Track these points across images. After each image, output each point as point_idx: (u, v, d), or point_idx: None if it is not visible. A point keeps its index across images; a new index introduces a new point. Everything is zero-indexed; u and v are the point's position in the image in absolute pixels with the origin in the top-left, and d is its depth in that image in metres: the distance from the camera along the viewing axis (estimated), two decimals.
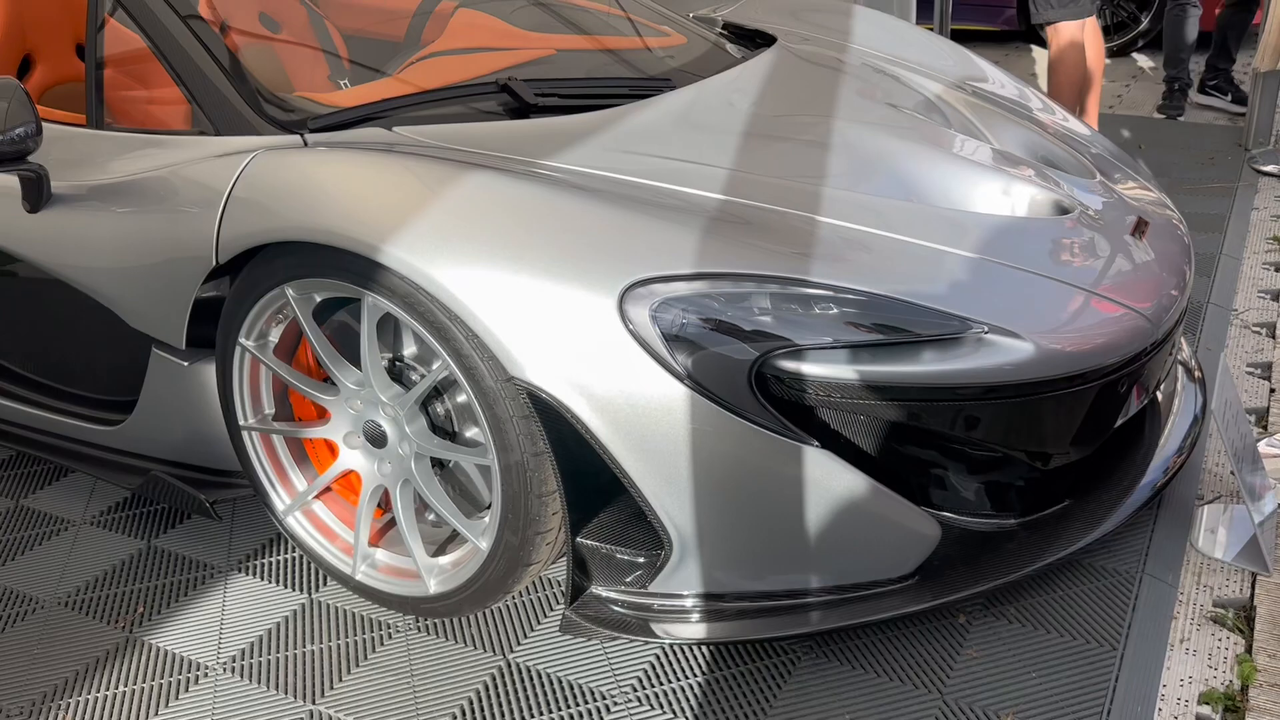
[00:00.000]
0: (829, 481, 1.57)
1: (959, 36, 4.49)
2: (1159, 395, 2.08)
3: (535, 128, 1.98)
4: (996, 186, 2.01)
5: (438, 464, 1.84)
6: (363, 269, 1.64)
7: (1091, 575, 1.85)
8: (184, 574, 2.04)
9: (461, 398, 1.78)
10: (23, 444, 2.31)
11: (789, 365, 1.56)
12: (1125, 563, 1.88)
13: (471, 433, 1.80)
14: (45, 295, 2.10)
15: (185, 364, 1.92)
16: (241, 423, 1.91)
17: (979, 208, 1.93)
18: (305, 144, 1.89)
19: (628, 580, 1.67)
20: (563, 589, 1.90)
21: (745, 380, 1.54)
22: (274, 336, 1.86)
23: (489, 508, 1.78)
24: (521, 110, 2.04)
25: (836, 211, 1.81)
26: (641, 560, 1.66)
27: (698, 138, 2.00)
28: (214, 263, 1.77)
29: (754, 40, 2.76)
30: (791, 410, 1.57)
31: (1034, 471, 1.78)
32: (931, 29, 4.13)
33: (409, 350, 1.81)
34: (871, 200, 1.87)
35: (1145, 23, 5.52)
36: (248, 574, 2.03)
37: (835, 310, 1.60)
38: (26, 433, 2.31)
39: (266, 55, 2.42)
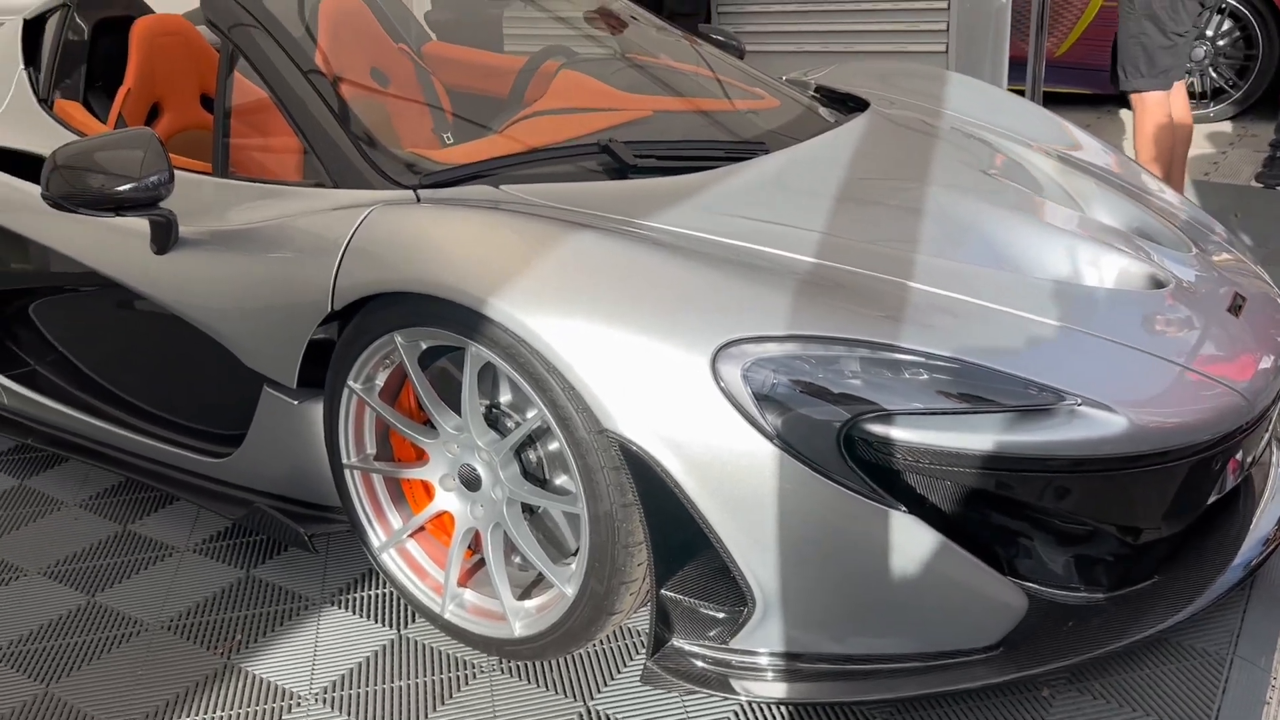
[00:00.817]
0: (915, 547, 1.58)
1: (1051, 100, 4.49)
2: (1254, 472, 2.04)
3: (634, 188, 2.04)
4: (1089, 257, 2.01)
5: (527, 509, 1.88)
6: (468, 320, 1.70)
7: (1180, 655, 1.81)
8: (280, 604, 2.12)
9: (553, 445, 1.83)
10: (133, 471, 2.42)
11: (878, 429, 1.58)
12: (1216, 643, 1.83)
13: (561, 480, 1.85)
14: (165, 332, 2.22)
15: (295, 403, 2.01)
16: (345, 461, 1.99)
17: (1072, 278, 1.93)
18: (418, 199, 1.98)
19: (710, 635, 1.68)
20: (644, 639, 1.93)
21: (834, 442, 1.56)
22: (380, 380, 1.93)
23: (575, 554, 1.83)
24: (621, 171, 2.11)
25: (928, 277, 1.83)
26: (724, 616, 1.68)
27: (791, 201, 2.04)
28: (329, 309, 1.85)
29: (846, 104, 2.80)
30: (879, 474, 1.58)
31: (1124, 546, 1.76)
32: (1022, 91, 4.13)
33: (505, 397, 1.87)
34: (963, 267, 1.88)
35: (1243, 89, 5.44)
36: (340, 607, 2.10)
37: (925, 376, 1.61)
38: (137, 460, 2.42)
39: (378, 109, 2.54)
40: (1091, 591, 1.75)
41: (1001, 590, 1.66)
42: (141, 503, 2.53)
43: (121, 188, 1.92)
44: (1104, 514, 1.72)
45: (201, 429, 2.31)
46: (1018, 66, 4.61)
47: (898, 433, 1.58)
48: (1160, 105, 3.68)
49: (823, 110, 2.67)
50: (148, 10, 2.93)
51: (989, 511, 1.65)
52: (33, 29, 2.79)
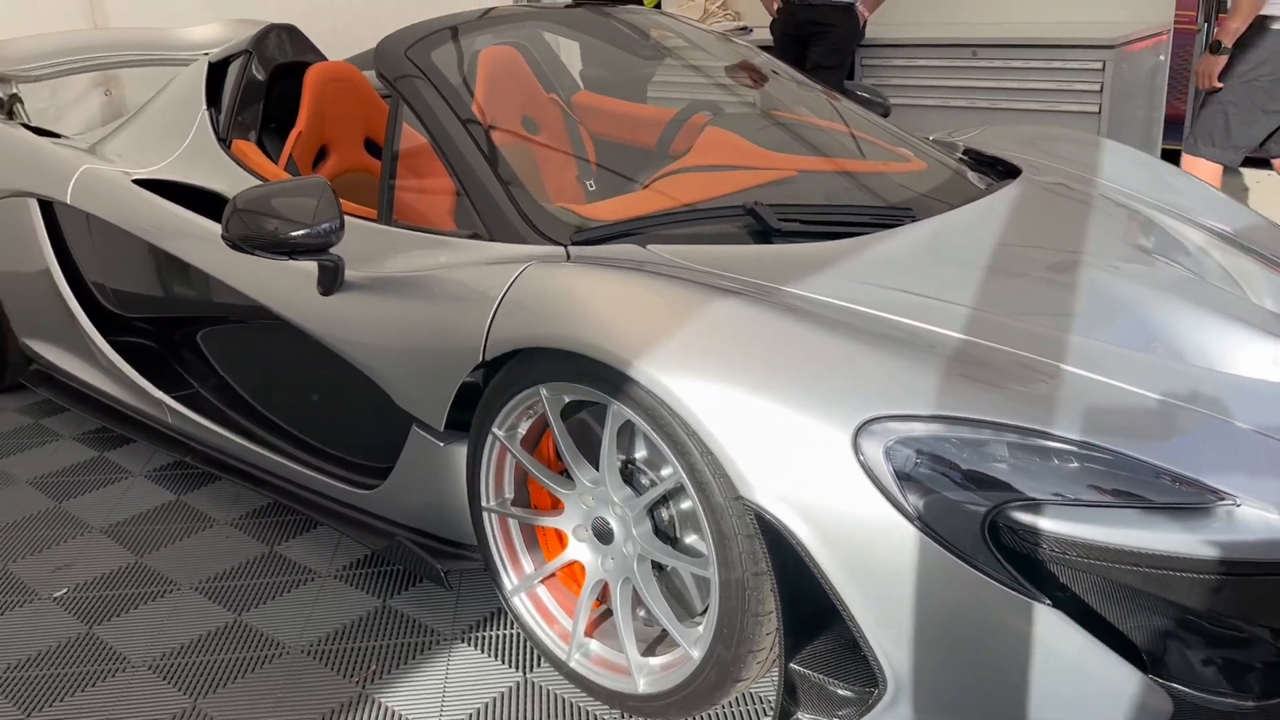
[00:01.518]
0: (1056, 641, 1.52)
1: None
2: None
3: (779, 254, 2.05)
4: (1252, 345, 1.91)
5: (657, 566, 1.90)
6: (612, 380, 1.74)
7: None
8: (413, 637, 2.19)
9: (686, 504, 1.84)
10: (282, 495, 2.54)
11: (1023, 518, 1.54)
12: None
13: (691, 539, 1.86)
14: (323, 366, 2.31)
15: (441, 444, 2.08)
16: (483, 504, 2.05)
17: (1237, 369, 1.84)
18: (568, 256, 2.04)
19: (839, 713, 1.66)
20: (767, 706, 1.92)
21: (977, 528, 1.52)
22: (522, 429, 1.99)
23: (703, 614, 1.83)
24: (765, 234, 2.12)
25: (1081, 359, 1.77)
26: (853, 695, 1.65)
27: (940, 272, 2.02)
28: (480, 359, 1.91)
29: (995, 168, 2.76)
30: (1022, 563, 1.53)
31: (1276, 653, 1.67)
32: (1179, 152, 3.99)
33: (641, 453, 1.90)
34: (1120, 351, 1.82)
35: None
36: (470, 645, 2.15)
37: (1076, 465, 1.56)
38: (286, 485, 2.53)
39: (531, 160, 2.63)
40: (1241, 698, 1.65)
41: (1145, 691, 1.58)
42: (287, 525, 2.65)
43: (295, 233, 2.02)
44: (1258, 617, 1.63)
45: (350, 460, 2.41)
46: (1173, 126, 4.45)
47: (1044, 522, 1.53)
48: (1214, 180, 3.52)
49: (971, 175, 2.63)
50: (322, 58, 3.11)
51: (1136, 609, 1.57)
52: (215, 72, 2.99)
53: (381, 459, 2.28)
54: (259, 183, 2.59)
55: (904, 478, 1.55)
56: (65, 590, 2.39)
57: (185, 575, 2.44)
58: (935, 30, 4.91)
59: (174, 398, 2.76)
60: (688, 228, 2.16)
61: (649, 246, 2.06)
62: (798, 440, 1.59)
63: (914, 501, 1.54)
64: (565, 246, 2.08)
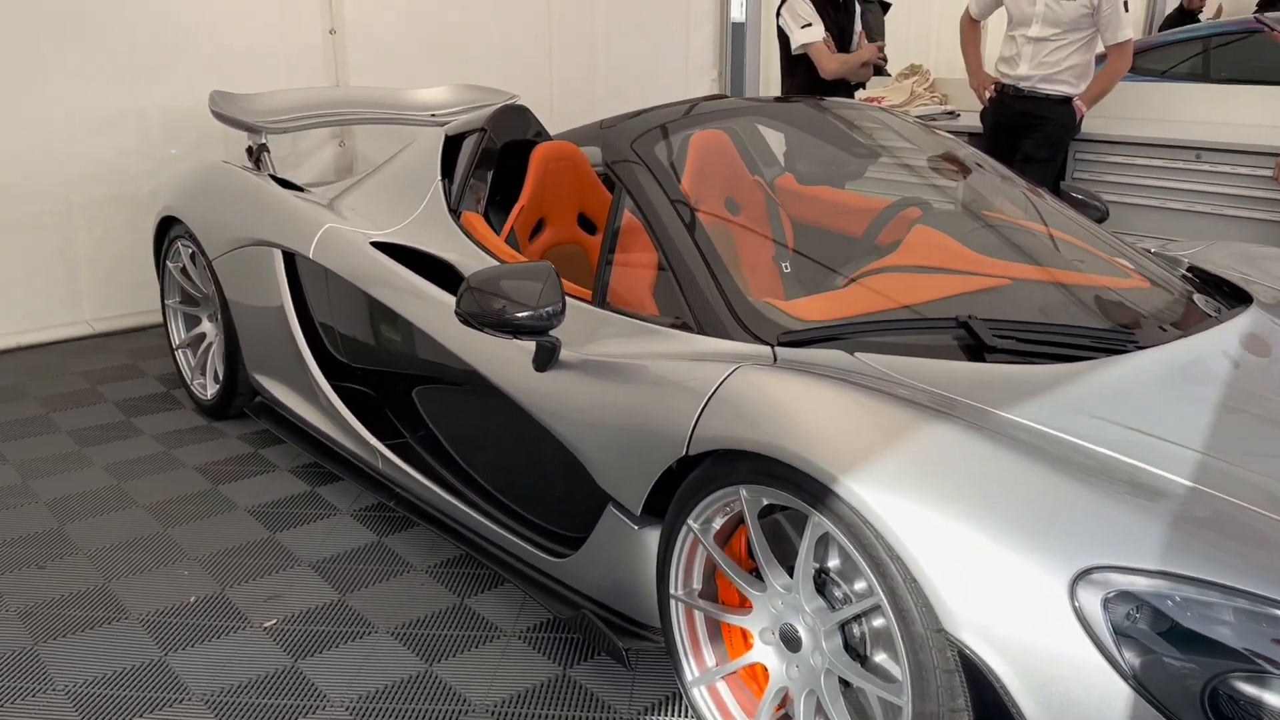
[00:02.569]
0: None
1: None
2: None
3: (993, 375, 2.01)
4: None
5: (843, 681, 1.88)
6: (816, 491, 1.74)
7: None
8: (591, 711, 2.21)
9: (879, 622, 1.81)
10: (476, 549, 2.64)
11: (1248, 689, 1.44)
12: None
13: (881, 658, 1.83)
14: (528, 436, 2.40)
15: (635, 527, 2.13)
16: (671, 591, 2.08)
17: None
18: (774, 358, 2.07)
19: None
20: None
21: (1196, 695, 1.44)
22: (717, 524, 2.01)
23: None
24: (978, 349, 2.09)
25: None
26: None
27: (1167, 409, 1.93)
28: (683, 453, 1.95)
29: (1219, 289, 2.62)
30: None
31: None
32: None
33: (835, 563, 1.88)
34: None
35: None
36: None
37: None
38: (481, 540, 2.64)
39: (737, 248, 2.67)
40: None
41: None
42: (478, 579, 2.75)
43: (520, 314, 2.11)
44: None
45: (544, 526, 2.49)
46: None
47: (1272, 697, 1.43)
48: None
49: (1197, 298, 2.51)
50: (546, 136, 3.26)
51: None
52: (451, 145, 3.19)
53: (575, 530, 2.35)
54: (482, 253, 2.76)
55: (1121, 633, 1.48)
56: (275, 621, 2.56)
57: (383, 619, 2.57)
58: (1154, 129, 4.71)
59: (385, 444, 2.92)
60: (896, 336, 2.15)
61: (857, 354, 2.06)
62: (1010, 580, 1.54)
63: (1129, 659, 1.47)
64: (772, 347, 2.10)
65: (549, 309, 2.13)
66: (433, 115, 4.50)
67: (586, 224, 3.23)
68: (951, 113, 5.67)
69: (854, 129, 3.01)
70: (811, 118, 3.06)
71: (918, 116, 5.43)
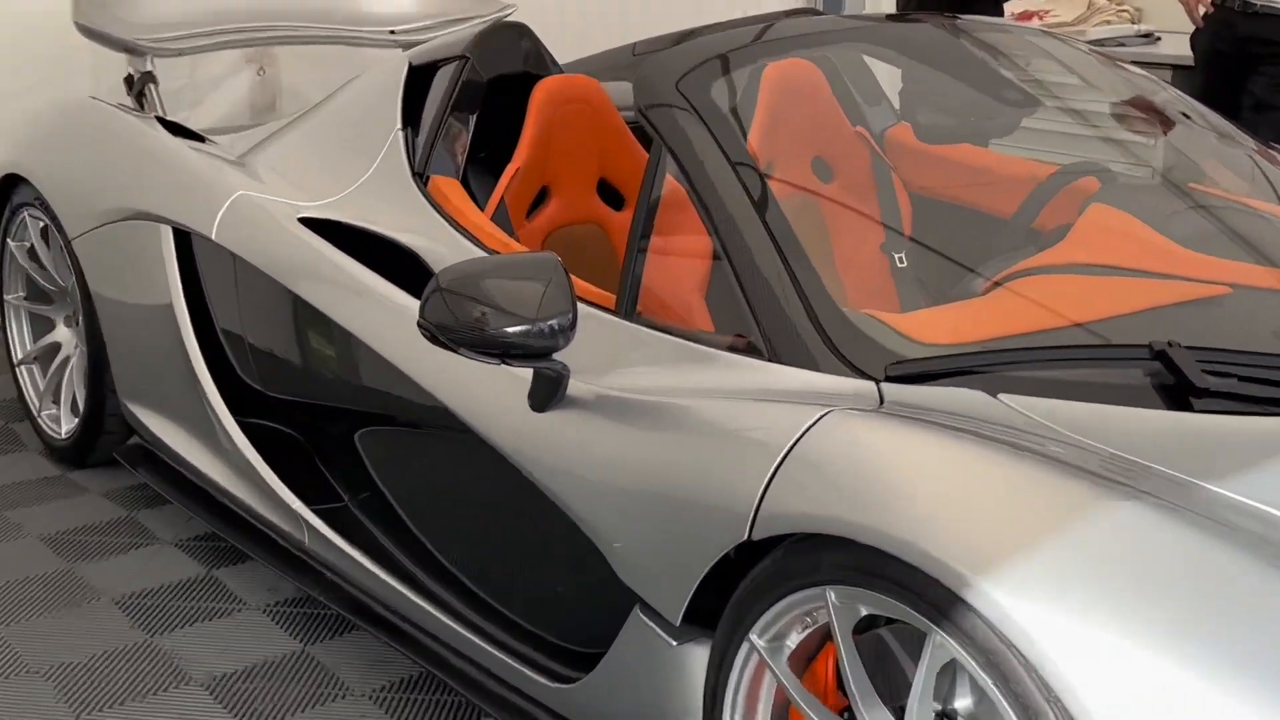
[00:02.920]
0: None
1: None
2: None
3: (1203, 430, 2.00)
4: None
5: None
6: (939, 599, 1.74)
7: None
8: None
9: None
10: (442, 668, 2.64)
11: None
12: None
13: None
14: (520, 503, 2.40)
15: (672, 643, 2.14)
16: None
17: None
18: (880, 398, 2.07)
19: None
20: None
21: None
22: (792, 641, 2.01)
23: None
24: (1180, 392, 2.07)
25: None
26: None
27: None
28: (745, 536, 1.96)
29: None
30: None
31: None
32: None
33: (962, 702, 1.88)
34: None
35: None
36: None
37: None
38: (449, 655, 2.64)
39: (817, 220, 2.68)
40: None
41: None
42: (446, 708, 2.77)
43: (511, 329, 2.09)
44: None
45: (541, 637, 2.50)
46: None
47: None
48: None
49: None
50: (557, 69, 3.29)
51: None
52: (417, 78, 3.22)
53: (585, 643, 2.36)
54: (459, 236, 2.77)
55: None
56: None
57: None
58: None
59: (315, 510, 2.95)
60: (1059, 369, 2.15)
61: (1000, 396, 2.06)
62: None
63: None
64: (878, 383, 2.10)
65: (553, 322, 2.12)
66: (392, 33, 4.51)
67: (610, 194, 3.25)
68: (1148, 36, 5.62)
69: (1002, 60, 3.01)
70: (940, 44, 3.05)
71: (1095, 41, 5.41)
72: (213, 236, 3.14)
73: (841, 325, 2.23)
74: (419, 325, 2.20)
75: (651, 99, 2.57)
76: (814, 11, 4.19)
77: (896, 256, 2.79)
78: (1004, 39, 3.09)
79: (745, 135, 2.57)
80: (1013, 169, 3.08)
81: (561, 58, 3.43)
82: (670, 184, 2.48)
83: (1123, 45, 5.51)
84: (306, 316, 2.95)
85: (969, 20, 3.17)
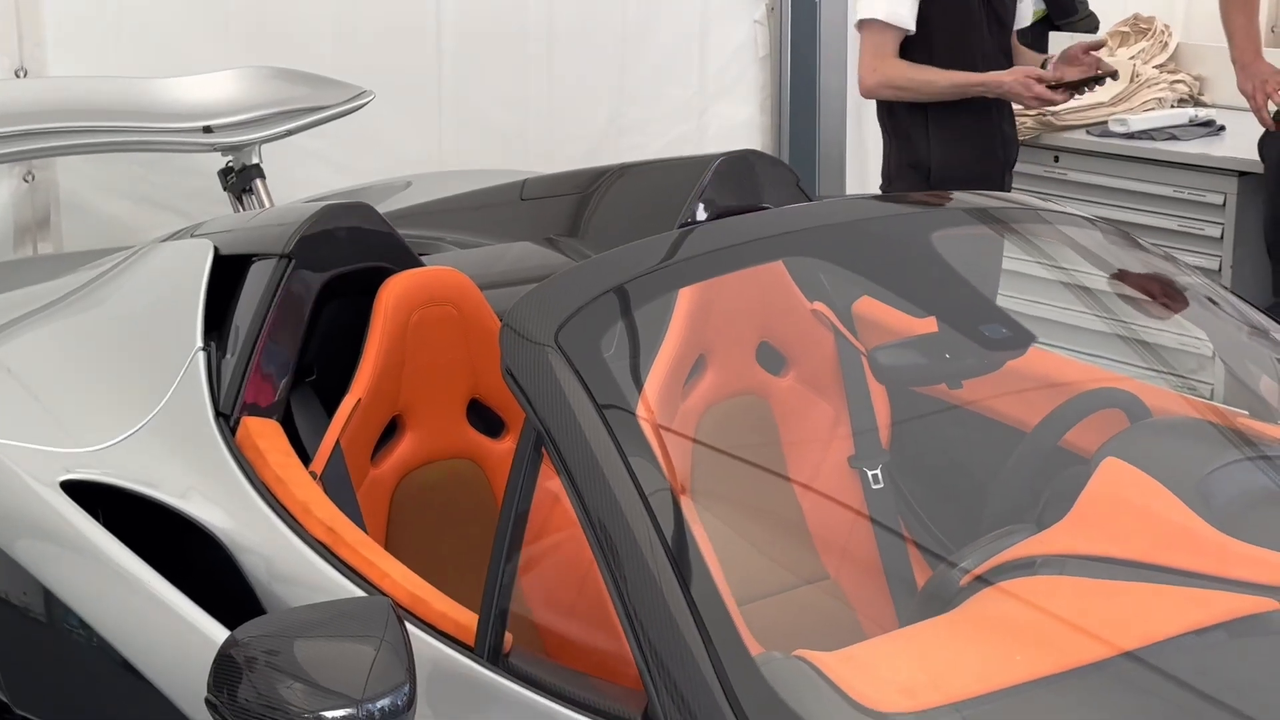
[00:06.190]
0: None
1: None
2: None
3: None
4: None
5: None
6: None
7: None
8: None
9: None
10: None
11: None
12: None
13: None
14: None
15: None
16: None
17: None
18: None
19: None
20: None
21: None
22: None
23: None
24: None
25: None
26: None
27: None
28: None
29: None
30: None
31: None
32: None
33: None
34: None
35: None
36: None
37: None
38: None
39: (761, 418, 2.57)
40: None
41: None
42: None
43: (331, 714, 2.04)
44: None
45: None
46: None
47: None
48: None
49: None
50: (414, 260, 3.13)
51: None
52: (226, 274, 3.07)
53: None
54: (272, 515, 2.70)
55: None
56: None
57: None
58: None
59: None
60: None
61: None
62: None
63: None
64: None
65: (384, 703, 2.05)
66: (207, 129, 4.53)
67: (486, 417, 3.13)
68: (1209, 125, 5.49)
69: (989, 269, 3.07)
70: (915, 258, 2.98)
71: (1140, 133, 5.41)
72: None
73: (757, 689, 2.07)
74: (206, 703, 2.13)
75: (516, 355, 2.42)
76: (759, 155, 4.02)
77: (871, 475, 2.82)
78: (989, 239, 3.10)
79: (641, 384, 2.55)
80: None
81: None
82: (545, 479, 2.35)
83: (1174, 138, 5.28)
84: (64, 626, 2.86)
85: (957, 206, 3.09)
